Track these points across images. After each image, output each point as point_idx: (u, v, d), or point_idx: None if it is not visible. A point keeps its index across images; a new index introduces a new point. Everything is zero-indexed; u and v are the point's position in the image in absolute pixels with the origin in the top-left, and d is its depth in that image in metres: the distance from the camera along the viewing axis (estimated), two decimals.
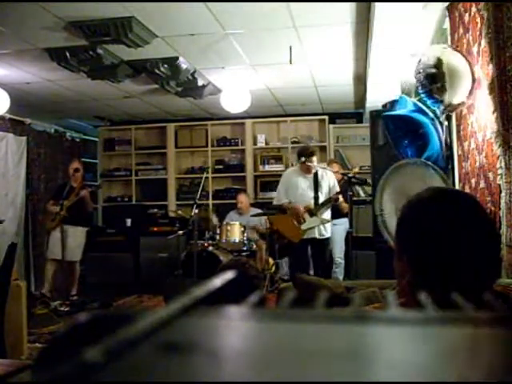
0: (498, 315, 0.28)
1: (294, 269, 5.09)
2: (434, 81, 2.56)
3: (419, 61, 2.71)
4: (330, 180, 5.13)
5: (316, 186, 5.02)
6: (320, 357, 0.24)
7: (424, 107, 3.27)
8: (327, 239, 5.11)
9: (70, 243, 5.76)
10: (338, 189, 5.14)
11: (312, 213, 4.94)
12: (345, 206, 5.27)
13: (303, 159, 4.98)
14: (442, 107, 2.74)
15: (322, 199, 5.02)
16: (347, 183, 5.25)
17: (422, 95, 2.74)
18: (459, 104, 2.61)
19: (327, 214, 5.11)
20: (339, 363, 0.23)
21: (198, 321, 0.28)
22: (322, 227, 5.01)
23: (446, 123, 3.31)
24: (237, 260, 5.47)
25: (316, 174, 5.06)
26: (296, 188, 5.05)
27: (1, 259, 3.01)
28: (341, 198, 5.05)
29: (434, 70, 2.55)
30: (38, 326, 4.38)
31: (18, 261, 5.97)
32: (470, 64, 2.52)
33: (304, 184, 5.05)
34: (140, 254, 6.98)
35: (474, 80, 2.50)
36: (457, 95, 2.53)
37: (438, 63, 2.53)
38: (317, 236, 4.98)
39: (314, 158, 5.01)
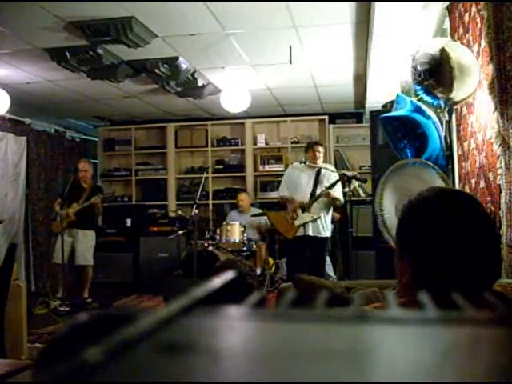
0: (497, 315, 0.28)
1: (290, 267, 5.10)
2: (438, 74, 2.51)
3: (416, 54, 2.64)
4: (331, 180, 5.11)
5: (316, 182, 5.04)
6: (320, 357, 0.24)
7: (423, 106, 3.25)
8: (325, 239, 5.08)
9: (80, 247, 5.70)
10: (339, 192, 5.09)
11: (304, 208, 4.96)
12: (336, 216, 5.33)
13: (311, 148, 5.13)
14: (445, 102, 2.70)
15: None
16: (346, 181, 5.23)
17: (420, 91, 2.69)
18: (465, 99, 2.57)
19: (328, 213, 5.10)
20: (339, 363, 0.23)
21: (197, 321, 0.28)
22: (320, 226, 5.00)
23: (446, 118, 3.26)
24: (228, 259, 5.47)
25: (319, 172, 5.07)
26: (296, 183, 5.10)
27: (1, 259, 3.01)
28: (333, 193, 5.02)
29: (437, 62, 2.49)
30: (38, 326, 4.37)
31: (18, 261, 5.95)
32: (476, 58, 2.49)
33: (305, 180, 5.09)
34: (140, 254, 6.98)
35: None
36: (464, 90, 2.48)
37: (445, 55, 2.48)
38: (311, 234, 4.96)
39: (321, 149, 5.13)
